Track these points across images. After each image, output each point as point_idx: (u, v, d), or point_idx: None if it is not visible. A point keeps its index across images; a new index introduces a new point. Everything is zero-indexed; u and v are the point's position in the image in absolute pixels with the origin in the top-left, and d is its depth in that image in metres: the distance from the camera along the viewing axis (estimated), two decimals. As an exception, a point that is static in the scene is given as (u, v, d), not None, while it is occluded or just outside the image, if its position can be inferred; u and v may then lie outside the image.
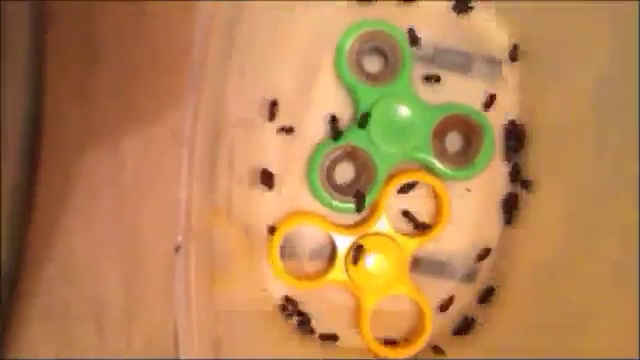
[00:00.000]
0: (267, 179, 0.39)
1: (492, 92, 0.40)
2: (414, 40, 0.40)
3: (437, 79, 0.40)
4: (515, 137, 0.41)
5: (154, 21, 0.34)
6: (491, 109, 0.40)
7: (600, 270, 0.34)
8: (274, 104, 0.39)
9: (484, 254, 0.41)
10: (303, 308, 0.40)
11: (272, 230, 0.39)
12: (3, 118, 0.32)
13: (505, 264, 0.41)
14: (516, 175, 0.41)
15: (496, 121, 0.40)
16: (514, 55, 0.40)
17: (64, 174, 0.35)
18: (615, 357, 0.32)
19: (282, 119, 0.39)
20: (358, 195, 0.39)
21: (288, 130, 0.40)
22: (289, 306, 0.40)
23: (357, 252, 0.39)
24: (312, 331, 0.40)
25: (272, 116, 0.39)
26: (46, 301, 0.36)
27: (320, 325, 0.40)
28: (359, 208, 0.39)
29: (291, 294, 0.40)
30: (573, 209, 0.37)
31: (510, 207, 0.41)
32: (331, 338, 0.40)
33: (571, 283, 0.36)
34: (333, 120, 0.39)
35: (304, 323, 0.40)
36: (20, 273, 0.35)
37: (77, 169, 0.35)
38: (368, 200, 0.39)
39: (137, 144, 0.36)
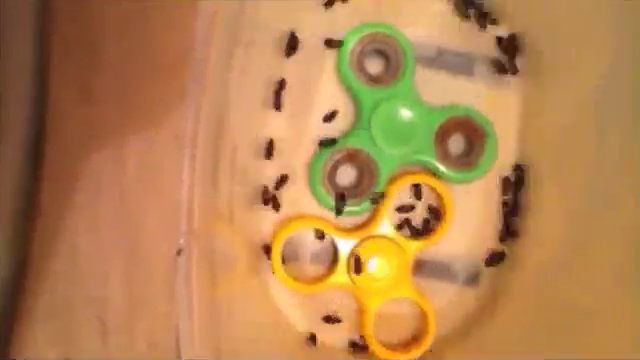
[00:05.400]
0: (268, 199, 0.39)
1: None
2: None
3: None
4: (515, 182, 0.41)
5: (156, 22, 0.34)
6: (495, 99, 0.41)
7: (600, 270, 0.34)
8: (281, 86, 0.39)
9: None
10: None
11: (267, 250, 0.39)
12: (7, 119, 0.32)
13: (507, 264, 0.40)
14: (517, 182, 0.41)
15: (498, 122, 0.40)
16: (513, 48, 0.40)
17: (67, 175, 0.35)
18: (615, 357, 0.32)
19: (284, 122, 0.40)
20: (338, 197, 0.39)
21: (331, 116, 0.40)
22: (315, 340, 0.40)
23: (357, 262, 0.39)
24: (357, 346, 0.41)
25: (278, 105, 0.39)
26: (50, 301, 0.36)
27: (322, 328, 0.40)
28: (338, 211, 0.39)
29: (296, 304, 0.40)
30: (573, 209, 0.37)
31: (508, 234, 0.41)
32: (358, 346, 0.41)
33: (572, 283, 0.36)
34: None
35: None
36: (24, 272, 0.35)
37: (80, 169, 0.35)
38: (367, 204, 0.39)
39: (140, 145, 0.36)
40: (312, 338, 0.40)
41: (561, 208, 0.38)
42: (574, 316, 0.35)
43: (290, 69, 0.39)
